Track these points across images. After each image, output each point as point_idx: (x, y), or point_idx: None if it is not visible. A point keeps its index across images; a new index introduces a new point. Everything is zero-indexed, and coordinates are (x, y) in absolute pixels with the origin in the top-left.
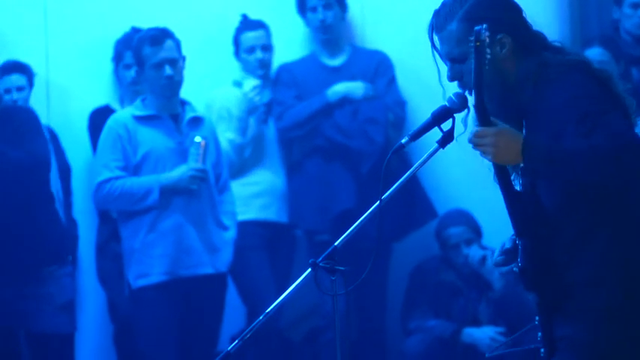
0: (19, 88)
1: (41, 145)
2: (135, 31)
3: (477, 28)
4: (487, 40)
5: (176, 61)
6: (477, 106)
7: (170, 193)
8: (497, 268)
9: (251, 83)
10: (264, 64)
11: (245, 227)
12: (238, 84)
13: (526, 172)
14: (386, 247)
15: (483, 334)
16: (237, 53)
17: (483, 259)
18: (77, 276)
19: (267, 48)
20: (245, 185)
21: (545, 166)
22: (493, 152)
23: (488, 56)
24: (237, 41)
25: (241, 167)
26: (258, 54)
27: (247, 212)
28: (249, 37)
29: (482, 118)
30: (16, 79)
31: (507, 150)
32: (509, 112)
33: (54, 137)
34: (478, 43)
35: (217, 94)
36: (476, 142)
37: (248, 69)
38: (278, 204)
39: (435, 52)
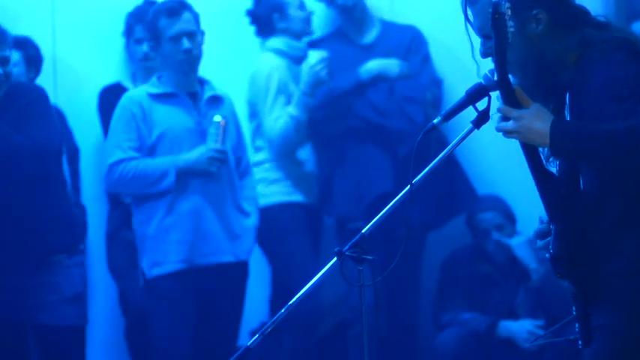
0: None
1: (51, 129)
2: (148, 3)
3: (494, 0)
4: (508, 12)
5: (194, 35)
6: (500, 84)
7: (187, 175)
8: (533, 257)
9: (317, 55)
10: (310, 20)
11: (293, 209)
12: (282, 53)
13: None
14: (420, 236)
15: (521, 327)
16: (279, 17)
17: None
18: (86, 266)
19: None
20: (287, 168)
21: (575, 149)
22: (517, 136)
23: (512, 29)
24: (279, 5)
25: (296, 148)
26: (306, 9)
27: (296, 193)
28: None
29: (507, 97)
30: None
31: (533, 133)
32: (546, 92)
33: (61, 117)
34: (497, 16)
35: (269, 61)
36: (500, 127)
37: (295, 32)
38: (313, 187)
39: (469, 26)
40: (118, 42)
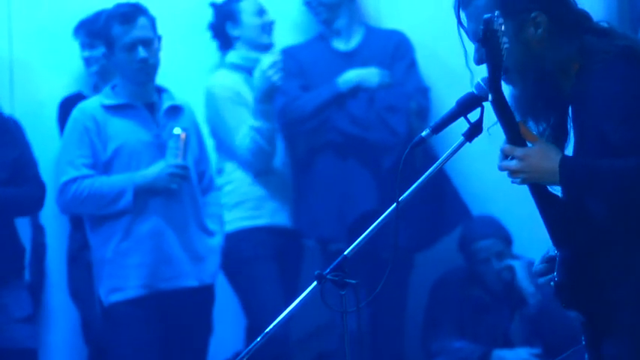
0: None
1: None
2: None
3: (486, 16)
4: (501, 27)
5: (151, 42)
6: (496, 110)
7: (146, 193)
8: (531, 280)
9: (269, 59)
10: (270, 29)
11: (256, 234)
12: (238, 67)
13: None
14: (407, 257)
15: (516, 356)
16: (232, 25)
17: (509, 269)
18: (46, 290)
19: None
20: (256, 186)
21: (587, 189)
22: (524, 176)
23: (506, 45)
24: (232, 12)
25: (272, 159)
26: (265, 17)
27: (259, 217)
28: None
29: (510, 132)
30: None
31: (541, 172)
32: (547, 103)
33: (18, 129)
34: (489, 34)
35: (221, 78)
36: (504, 166)
37: (250, 41)
38: (288, 208)
39: (462, 31)
40: (79, 50)
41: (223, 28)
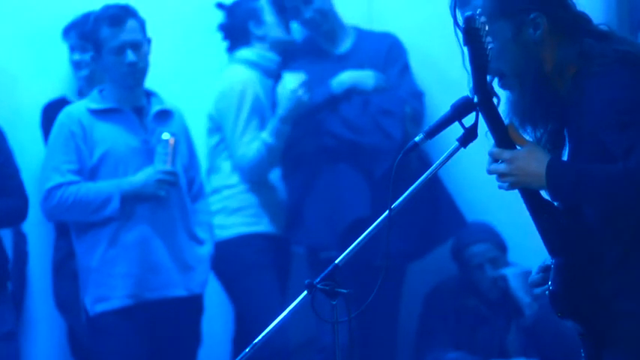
0: None
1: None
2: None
3: (467, 14)
4: (485, 27)
5: (140, 45)
6: (483, 112)
7: (133, 200)
8: (526, 291)
9: (297, 78)
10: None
11: (257, 241)
12: (253, 64)
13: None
14: (399, 266)
15: None
16: (255, 24)
17: (502, 278)
18: (30, 300)
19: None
20: (254, 192)
21: (573, 193)
22: (512, 179)
23: (490, 45)
24: (254, 10)
25: (267, 174)
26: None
27: (259, 224)
28: None
29: (498, 135)
30: None
31: (529, 176)
32: (546, 108)
33: (1, 136)
34: (471, 32)
35: (241, 73)
36: (492, 169)
37: (274, 39)
38: (282, 215)
39: (459, 31)
40: (63, 53)
41: (245, 27)
